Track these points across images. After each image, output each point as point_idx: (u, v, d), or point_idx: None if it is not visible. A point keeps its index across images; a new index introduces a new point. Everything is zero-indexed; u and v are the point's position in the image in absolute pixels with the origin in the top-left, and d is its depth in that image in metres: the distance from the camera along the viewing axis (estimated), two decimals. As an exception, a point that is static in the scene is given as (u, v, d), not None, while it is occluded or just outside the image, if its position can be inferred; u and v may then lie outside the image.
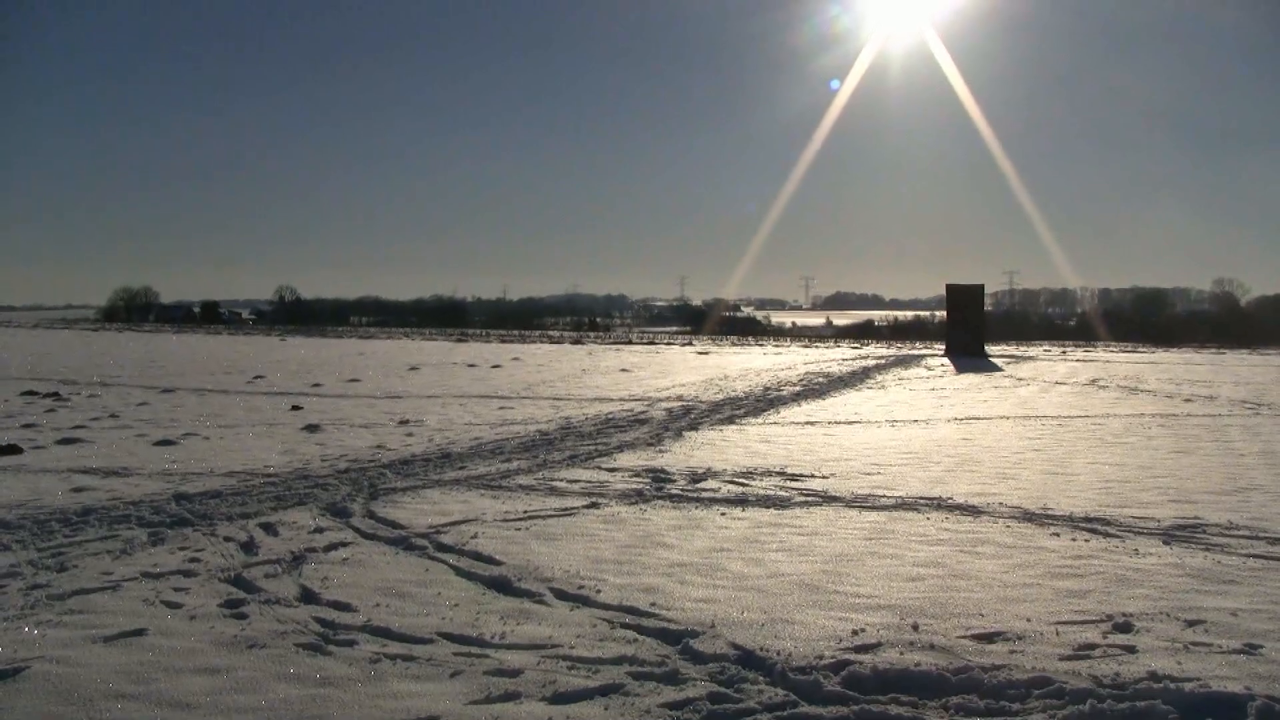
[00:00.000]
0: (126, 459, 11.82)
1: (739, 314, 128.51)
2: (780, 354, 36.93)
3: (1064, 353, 36.69)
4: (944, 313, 34.10)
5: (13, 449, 12.36)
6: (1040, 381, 23.66)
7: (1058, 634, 5.58)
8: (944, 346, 35.09)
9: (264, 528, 8.17)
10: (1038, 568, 6.96)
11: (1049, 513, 8.68)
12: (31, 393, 19.95)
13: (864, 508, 8.97)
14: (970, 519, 8.49)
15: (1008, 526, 8.20)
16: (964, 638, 5.52)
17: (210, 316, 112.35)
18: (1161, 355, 35.61)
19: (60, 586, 6.54)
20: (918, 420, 15.90)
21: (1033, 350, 38.53)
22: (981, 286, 35.68)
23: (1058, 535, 7.88)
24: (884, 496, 9.45)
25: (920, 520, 8.46)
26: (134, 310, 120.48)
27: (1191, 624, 5.75)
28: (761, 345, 46.52)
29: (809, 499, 9.36)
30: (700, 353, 38.31)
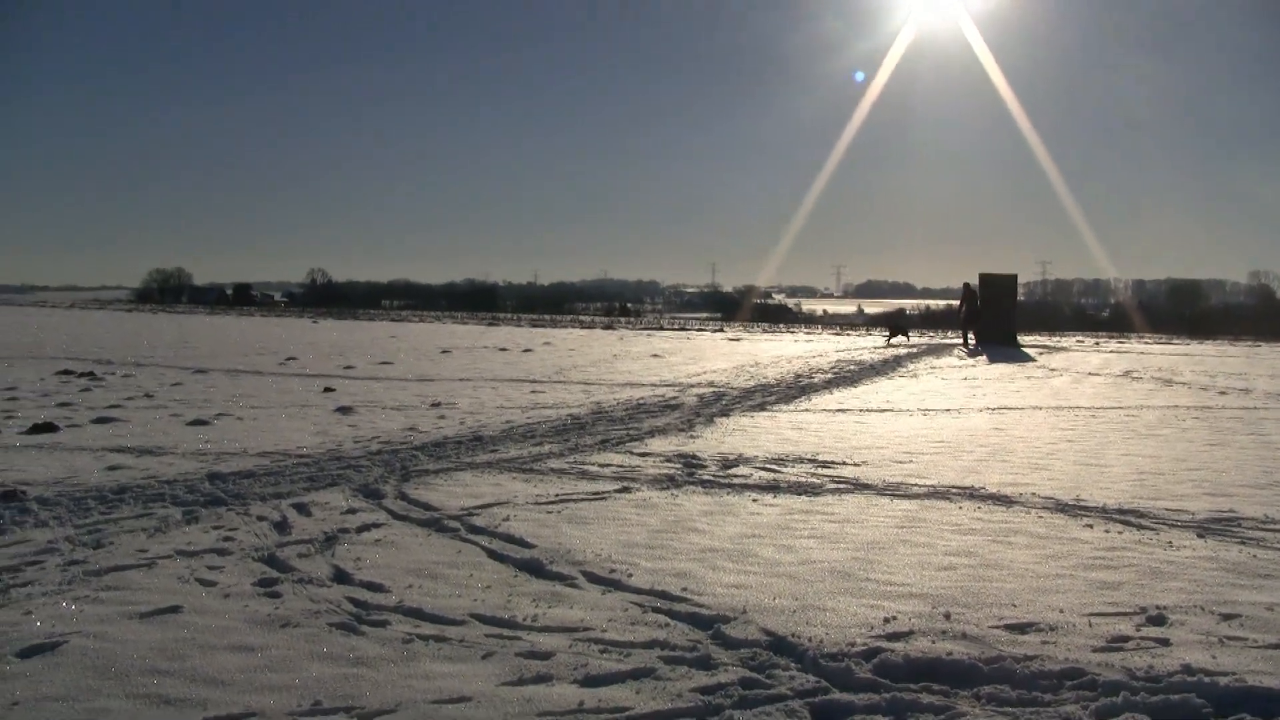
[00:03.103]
0: (161, 438, 11.90)
1: (770, 301, 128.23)
2: (812, 341, 36.86)
3: (1097, 344, 36.46)
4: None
5: (49, 427, 12.47)
6: (1073, 372, 23.50)
7: (1090, 625, 5.54)
8: (960, 339, 34.90)
9: (297, 508, 8.21)
10: (1071, 559, 6.91)
11: (1082, 504, 8.62)
12: (67, 372, 20.09)
13: (896, 496, 8.93)
14: (1003, 509, 8.44)
15: (1040, 517, 8.15)
16: (996, 627, 5.49)
17: (243, 298, 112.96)
18: (1196, 347, 35.32)
19: (96, 563, 6.59)
20: (950, 409, 15.83)
21: (1065, 341, 38.30)
22: (1014, 276, 35.46)
23: (1091, 526, 7.82)
24: (916, 485, 9.41)
25: (952, 509, 8.41)
26: (167, 292, 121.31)
27: (1226, 618, 5.70)
28: (793, 332, 46.45)
29: (841, 486, 9.33)
30: (731, 339, 38.27)
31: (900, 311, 39.06)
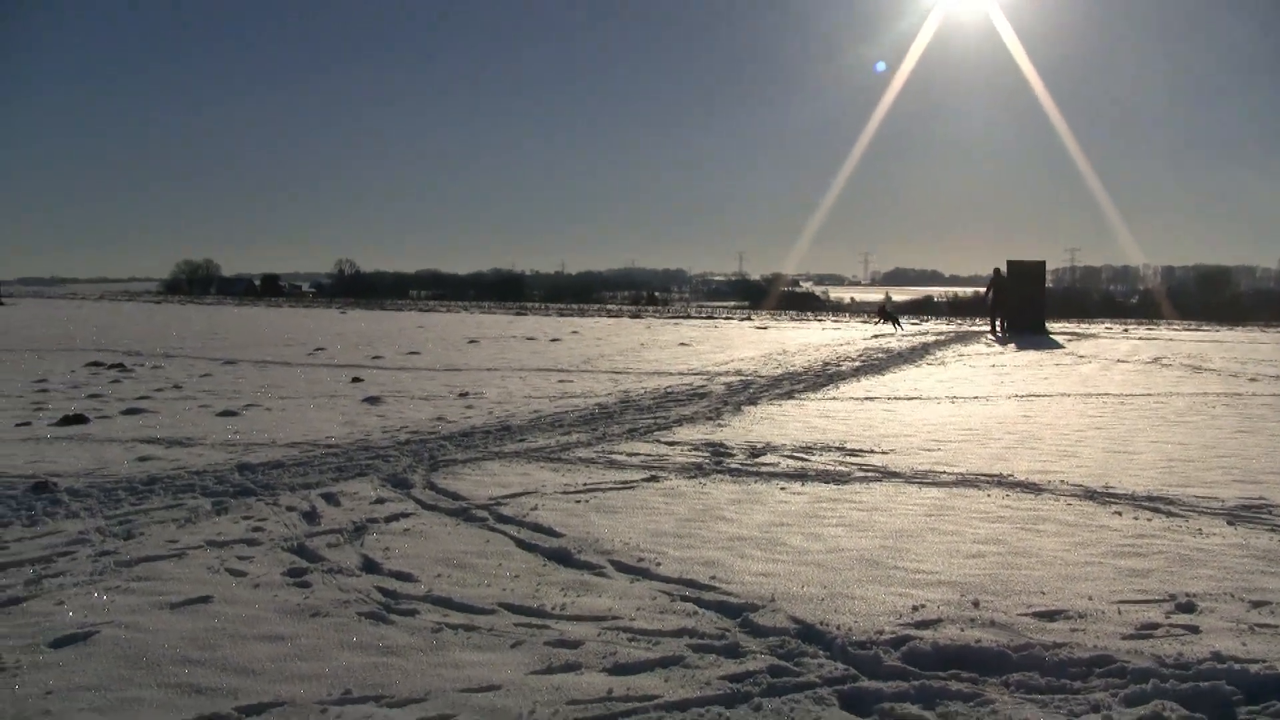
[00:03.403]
0: (190, 429, 11.98)
1: (797, 289, 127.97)
2: (839, 329, 36.75)
3: (1126, 330, 36.22)
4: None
5: (79, 419, 12.56)
6: (1102, 359, 23.36)
7: (1119, 613, 5.52)
8: (988, 326, 34.69)
9: (326, 498, 8.25)
10: (1099, 546, 6.88)
11: (1111, 491, 8.58)
12: (97, 364, 20.25)
13: (924, 484, 8.90)
14: (1031, 496, 8.41)
15: (1069, 504, 8.12)
16: (1025, 615, 5.47)
17: (270, 289, 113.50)
18: (1226, 334, 35.04)
19: (127, 553, 6.64)
20: (978, 396, 15.77)
21: (1094, 327, 38.07)
22: (1042, 263, 35.25)
23: (1120, 514, 7.78)
24: (944, 473, 9.38)
25: (981, 497, 8.39)
26: (195, 283, 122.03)
27: (1257, 605, 5.67)
28: (820, 320, 46.34)
29: (869, 474, 9.31)
30: (759, 327, 38.20)
31: (888, 297, 38.43)
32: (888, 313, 38.17)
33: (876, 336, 31.94)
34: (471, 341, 28.91)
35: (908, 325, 38.57)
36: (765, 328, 38.22)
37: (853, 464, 9.85)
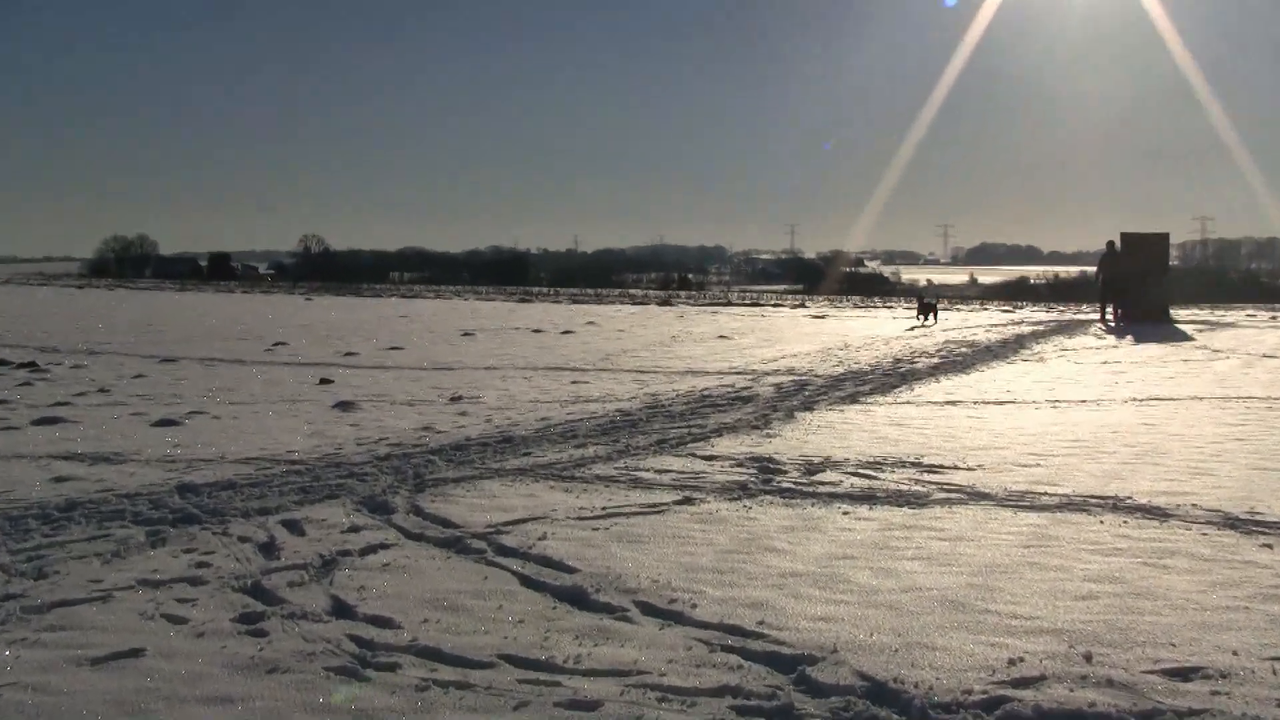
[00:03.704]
0: (119, 442, 12.02)
1: (862, 270, 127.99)
2: (913, 318, 36.64)
3: (1274, 318, 35.96)
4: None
5: (-16, 429, 12.61)
6: (1243, 354, 23.21)
7: (1274, 672, 5.45)
8: (1098, 313, 34.44)
9: (287, 526, 8.26)
10: (1244, 587, 6.81)
11: (1258, 518, 8.49)
12: (2, 363, 20.34)
13: (1020, 507, 8.87)
14: (1155, 524, 8.35)
15: (1204, 534, 8.05)
16: (1151, 673, 5.42)
17: (220, 271, 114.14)
18: (1398, 321, 34.76)
19: (39, 597, 6.62)
20: (1086, 400, 15.70)
21: (1231, 315, 37.83)
22: (1165, 236, 35.07)
23: (1270, 546, 7.71)
24: (1045, 494, 9.34)
25: (1092, 524, 8.33)
26: (127, 263, 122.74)
27: None
28: (890, 307, 46.21)
29: (951, 495, 9.29)
30: (815, 316, 38.17)
31: (929, 285, 38.13)
32: (926, 302, 37.03)
33: (913, 329, 31.42)
34: (466, 334, 29.07)
35: (940, 316, 37.64)
36: (823, 316, 38.19)
37: (932, 483, 9.82)
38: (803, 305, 48.07)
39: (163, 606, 6.46)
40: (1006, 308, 45.12)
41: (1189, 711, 4.97)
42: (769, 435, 12.46)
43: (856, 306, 47.04)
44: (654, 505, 8.97)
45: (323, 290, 64.68)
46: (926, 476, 10.12)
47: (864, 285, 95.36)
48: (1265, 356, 22.55)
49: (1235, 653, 5.69)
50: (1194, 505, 8.92)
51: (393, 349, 24.22)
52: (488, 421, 13.46)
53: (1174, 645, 5.79)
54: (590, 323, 33.82)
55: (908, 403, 15.45)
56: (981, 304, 50.24)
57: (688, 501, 9.11)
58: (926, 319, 34.10)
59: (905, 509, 8.85)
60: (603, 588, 6.77)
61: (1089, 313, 38.29)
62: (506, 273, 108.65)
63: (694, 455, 11.20)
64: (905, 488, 9.63)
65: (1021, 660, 5.57)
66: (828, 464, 10.70)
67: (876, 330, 30.60)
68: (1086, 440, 12.15)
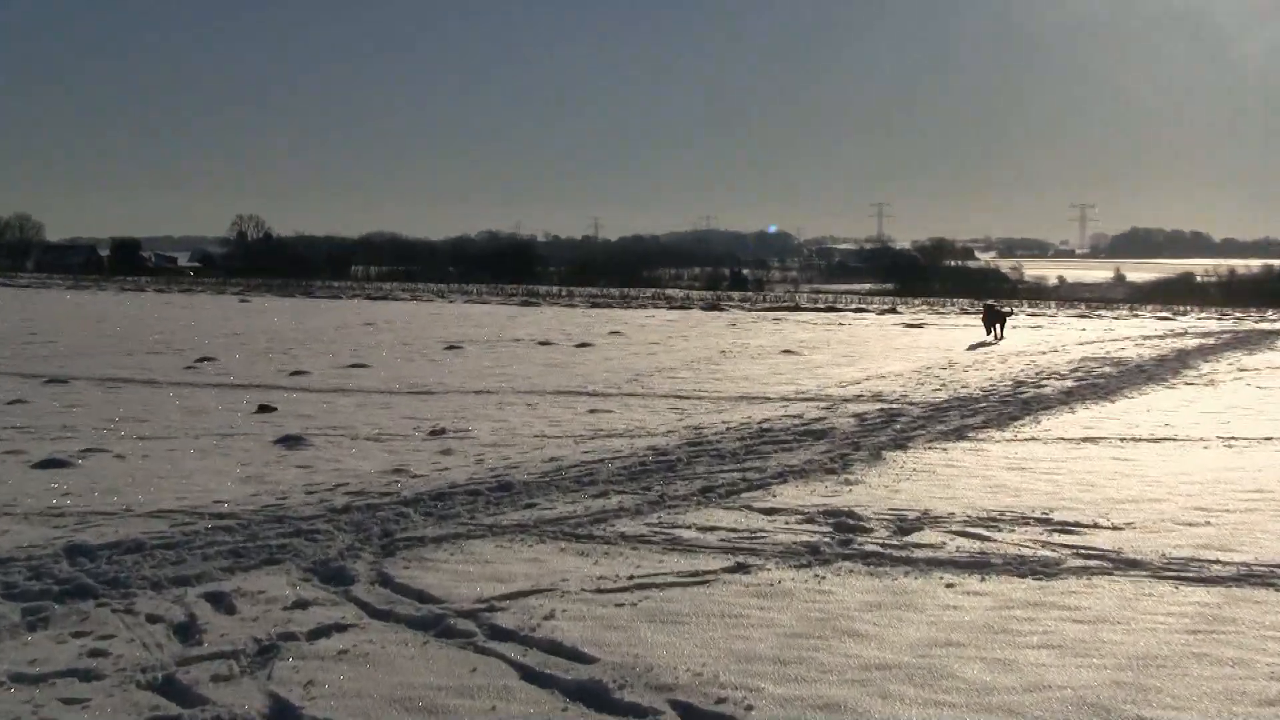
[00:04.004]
0: (-7, 488, 12.05)
1: (971, 264, 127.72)
2: (1040, 327, 36.59)
3: None
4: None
5: None
6: None
7: None
8: None
9: (212, 600, 8.25)
10: None
11: None
12: None
13: (1184, 580, 8.82)
14: (1364, 602, 8.31)
15: None
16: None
17: (127, 264, 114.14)
18: None
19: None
20: (1273, 438, 15.66)
21: None
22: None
23: None
24: (1218, 562, 9.29)
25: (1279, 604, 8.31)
26: (3, 252, 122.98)
27: None
28: (1010, 313, 46.11)
29: (1090, 563, 9.25)
30: (910, 325, 38.12)
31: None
32: (998, 310, 35.90)
33: (981, 347, 31.02)
34: (451, 348, 29.09)
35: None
36: (920, 325, 38.13)
37: (1064, 546, 9.78)
38: (893, 310, 48.05)
39: (44, 709, 6.44)
40: (1164, 314, 45.03)
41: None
42: (848, 482, 12.46)
43: (964, 313, 46.93)
44: (697, 574, 8.95)
45: (263, 289, 64.91)
46: (1057, 538, 10.08)
47: (974, 283, 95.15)
48: None
49: None
50: None
51: (355, 367, 24.23)
52: (479, 463, 13.48)
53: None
54: (615, 333, 33.79)
55: (1032, 439, 15.42)
56: (1131, 309, 50.18)
57: (741, 569, 9.09)
58: (993, 332, 33.10)
59: (1028, 581, 8.81)
60: (629, 683, 6.78)
61: (1277, 320, 38.14)
62: (505, 267, 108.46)
63: (749, 508, 11.18)
64: (1029, 552, 9.59)
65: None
66: (926, 520, 10.68)
67: (993, 345, 30.48)
68: (1273, 491, 12.12)
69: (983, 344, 32.33)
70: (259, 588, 8.55)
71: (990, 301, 38.38)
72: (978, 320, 40.53)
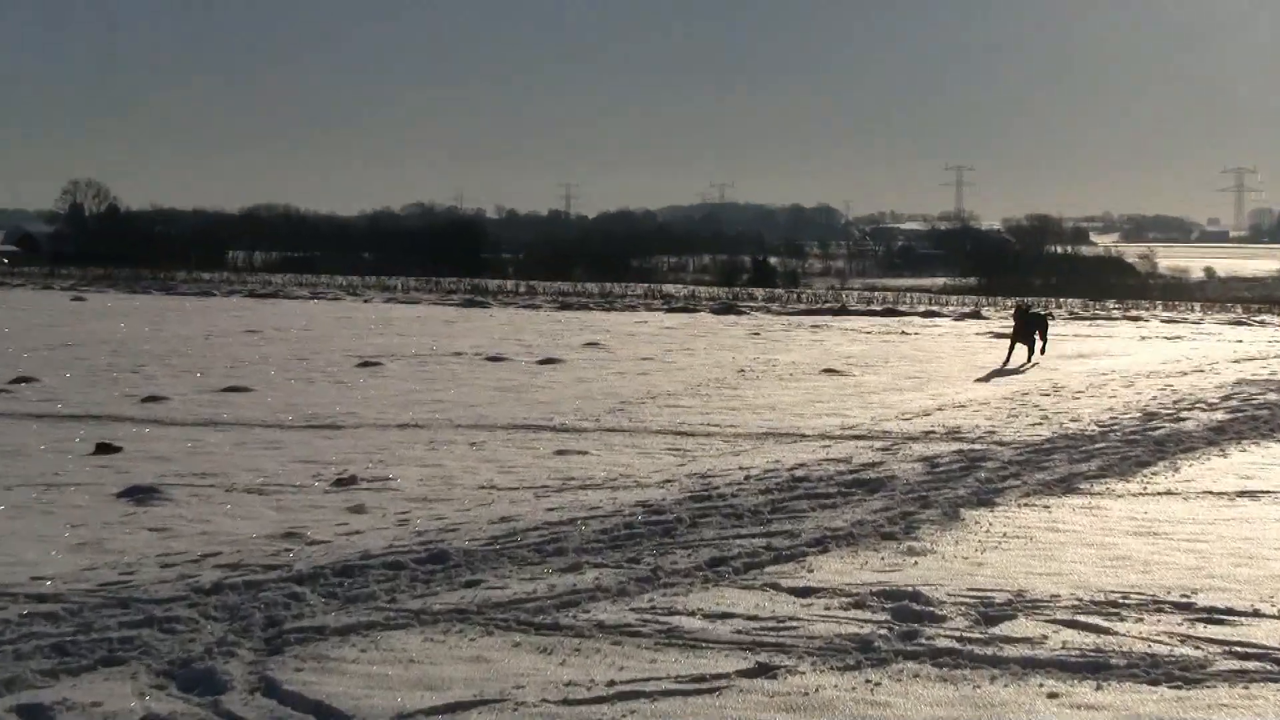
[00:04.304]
0: None
1: (1084, 251, 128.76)
2: (1179, 339, 36.83)
3: None
4: None
5: None
6: None
7: None
8: None
9: (27, 717, 8.04)
10: None
11: None
12: None
13: (1381, 691, 8.59)
14: None
15: None
16: None
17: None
18: None
19: None
20: None
21: None
22: None
23: None
24: None
25: None
26: None
27: None
28: (1136, 319, 46.31)
29: (1248, 665, 9.06)
30: (1000, 334, 38.09)
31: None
32: (1032, 313, 35.13)
33: (994, 376, 29.68)
34: (366, 364, 29.30)
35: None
36: (1010, 334, 38.19)
37: (1212, 642, 9.59)
38: (976, 315, 48.18)
39: None
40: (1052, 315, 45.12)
41: None
42: (913, 552, 12.32)
43: (1075, 317, 47.10)
44: (703, 678, 8.74)
45: (106, 282, 65.29)
46: (1202, 630, 9.90)
47: (1085, 277, 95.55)
48: None
49: None
50: None
51: (232, 390, 24.27)
52: (402, 524, 13.34)
53: None
54: (592, 344, 33.93)
55: (1168, 493, 15.33)
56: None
57: (764, 672, 8.88)
58: (1027, 347, 31.86)
59: (1162, 689, 8.61)
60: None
61: None
62: (443, 253, 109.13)
63: (776, 587, 11.02)
64: (1163, 650, 9.39)
65: None
66: (1021, 605, 10.50)
67: (1113, 363, 30.53)
68: None
69: (1013, 370, 30.80)
70: (93, 698, 8.31)
71: (1023, 301, 37.68)
72: (1090, 329, 40.65)
